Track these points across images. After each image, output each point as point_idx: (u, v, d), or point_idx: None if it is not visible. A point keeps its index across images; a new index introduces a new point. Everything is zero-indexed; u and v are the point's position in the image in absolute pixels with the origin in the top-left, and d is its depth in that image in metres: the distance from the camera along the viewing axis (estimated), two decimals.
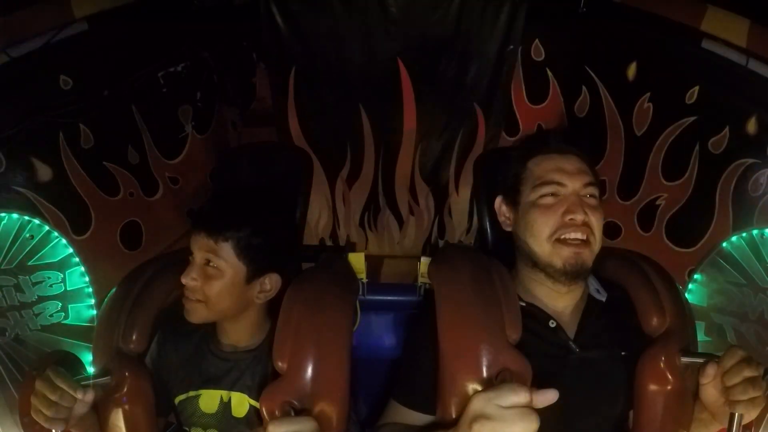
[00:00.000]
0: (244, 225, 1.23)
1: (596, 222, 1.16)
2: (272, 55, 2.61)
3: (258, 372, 1.27)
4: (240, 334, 1.31)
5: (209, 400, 1.30)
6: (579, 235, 1.14)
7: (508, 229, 1.29)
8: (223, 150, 2.47)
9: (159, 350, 1.34)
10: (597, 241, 1.17)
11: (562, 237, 1.15)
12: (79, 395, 1.04)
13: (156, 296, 1.30)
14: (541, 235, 1.17)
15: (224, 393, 1.29)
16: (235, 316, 1.28)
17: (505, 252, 1.30)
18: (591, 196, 1.19)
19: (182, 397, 1.32)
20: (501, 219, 1.30)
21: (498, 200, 1.31)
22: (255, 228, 1.24)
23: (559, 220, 1.16)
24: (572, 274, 1.15)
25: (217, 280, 1.21)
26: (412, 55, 2.54)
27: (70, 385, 1.03)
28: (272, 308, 1.26)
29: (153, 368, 1.32)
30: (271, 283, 1.27)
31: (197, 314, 1.24)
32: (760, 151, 1.64)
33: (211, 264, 1.21)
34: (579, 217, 1.14)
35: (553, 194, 1.18)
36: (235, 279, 1.22)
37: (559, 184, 1.18)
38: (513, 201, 1.26)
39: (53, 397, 1.01)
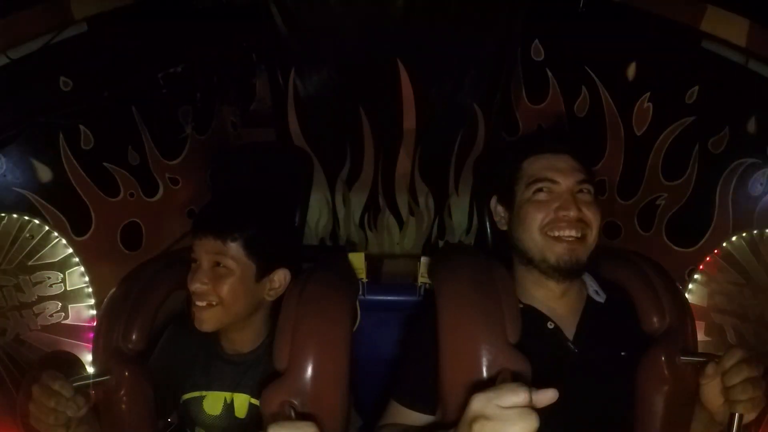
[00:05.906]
0: (251, 223, 1.24)
1: (593, 216, 1.17)
2: (272, 55, 2.60)
3: (259, 372, 1.27)
4: (245, 341, 1.32)
5: (213, 402, 1.31)
6: (573, 233, 1.15)
7: (503, 228, 1.30)
8: (222, 150, 2.47)
9: (167, 347, 1.34)
10: (593, 235, 1.18)
11: (556, 234, 1.16)
12: (75, 399, 1.04)
13: (156, 296, 1.31)
14: (532, 227, 1.18)
15: (228, 395, 1.30)
16: (244, 322, 1.28)
17: (505, 252, 1.30)
18: (586, 192, 1.19)
19: (187, 396, 1.33)
20: (496, 219, 1.32)
21: (493, 200, 1.32)
22: (262, 225, 1.25)
23: (552, 214, 1.16)
24: (566, 271, 1.16)
25: (229, 278, 1.21)
26: (412, 55, 2.54)
27: (67, 390, 1.03)
28: (275, 312, 1.26)
29: (159, 364, 1.32)
30: (279, 279, 1.27)
31: (212, 320, 1.22)
32: (760, 151, 1.64)
33: (220, 265, 1.21)
34: (572, 214, 1.15)
35: (546, 191, 1.19)
36: (245, 277, 1.22)
37: (552, 181, 1.19)
38: (508, 201, 1.27)
39: (51, 405, 1.02)
